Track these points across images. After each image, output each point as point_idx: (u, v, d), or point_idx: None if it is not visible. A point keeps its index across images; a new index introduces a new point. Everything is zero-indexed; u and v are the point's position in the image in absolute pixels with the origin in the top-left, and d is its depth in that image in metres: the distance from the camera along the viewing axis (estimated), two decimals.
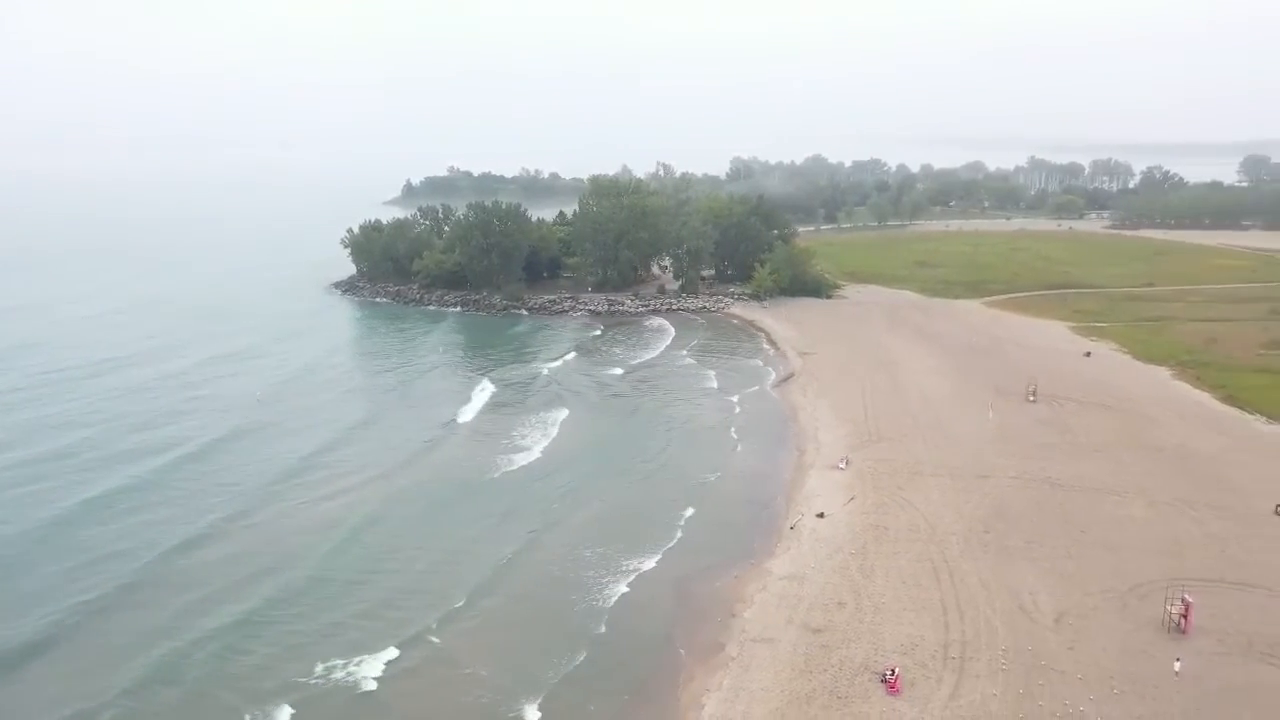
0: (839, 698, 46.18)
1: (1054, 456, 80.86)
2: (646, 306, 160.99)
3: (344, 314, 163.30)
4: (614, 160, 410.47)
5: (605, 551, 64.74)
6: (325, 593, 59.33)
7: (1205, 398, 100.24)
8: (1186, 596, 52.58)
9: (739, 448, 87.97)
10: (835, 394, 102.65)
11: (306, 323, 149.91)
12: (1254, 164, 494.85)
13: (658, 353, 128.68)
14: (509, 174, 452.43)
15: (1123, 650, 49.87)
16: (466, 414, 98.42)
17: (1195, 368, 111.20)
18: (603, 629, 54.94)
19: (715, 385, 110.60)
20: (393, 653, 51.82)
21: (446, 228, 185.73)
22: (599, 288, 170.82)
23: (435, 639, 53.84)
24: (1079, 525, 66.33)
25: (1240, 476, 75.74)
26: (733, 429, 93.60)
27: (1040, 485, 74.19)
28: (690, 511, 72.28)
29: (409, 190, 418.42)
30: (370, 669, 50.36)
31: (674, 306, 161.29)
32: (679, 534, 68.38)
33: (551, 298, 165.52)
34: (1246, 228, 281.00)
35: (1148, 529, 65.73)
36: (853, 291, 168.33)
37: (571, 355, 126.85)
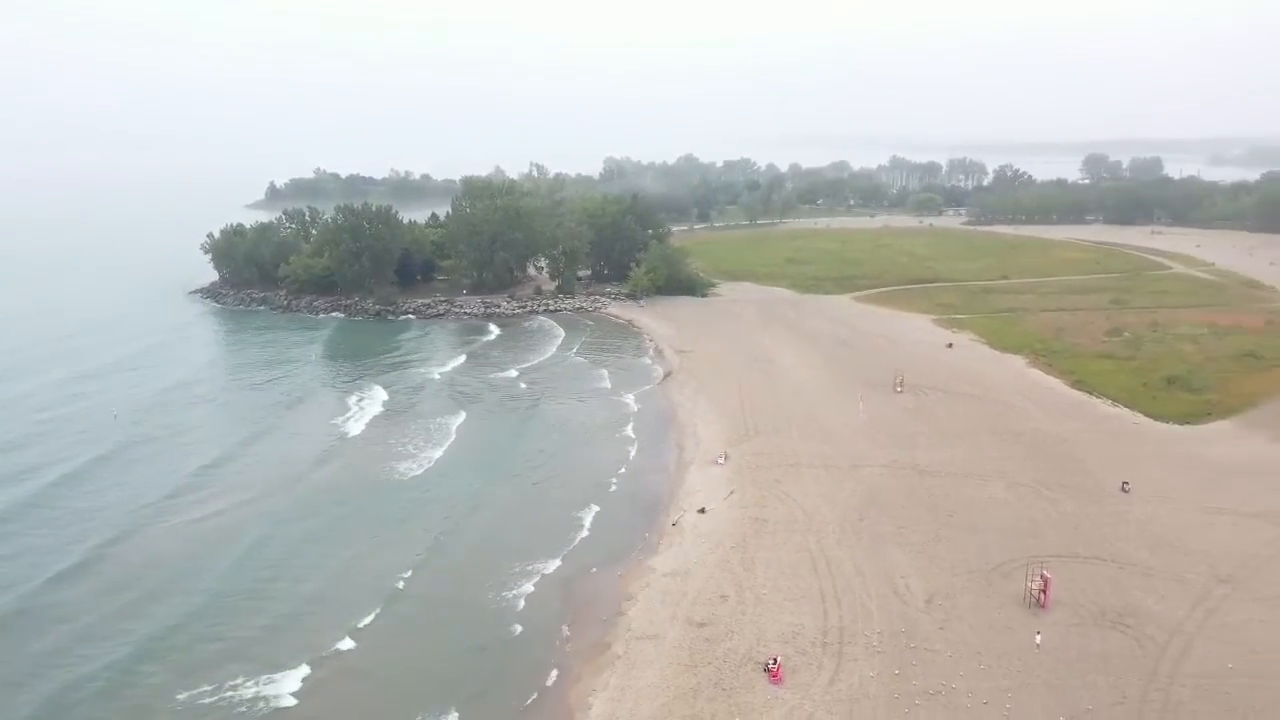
0: (724, 690, 47.02)
1: (921, 444, 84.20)
2: (524, 308, 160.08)
3: (209, 323, 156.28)
4: (487, 162, 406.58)
5: (497, 557, 64.32)
6: (225, 611, 57.19)
7: (1057, 384, 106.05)
8: (1045, 573, 55.67)
9: (622, 446, 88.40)
10: (713, 390, 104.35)
11: (168, 334, 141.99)
12: (1094, 162, 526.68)
13: (548, 355, 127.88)
14: (378, 175, 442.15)
15: (989, 627, 52.40)
16: (358, 423, 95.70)
17: (1047, 356, 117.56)
18: (500, 633, 54.61)
19: (608, 385, 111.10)
20: (305, 669, 50.41)
21: (314, 231, 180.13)
22: (475, 290, 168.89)
23: (346, 650, 52.75)
24: (946, 509, 69.28)
25: (1089, 457, 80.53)
26: (615, 428, 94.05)
27: (909, 472, 77.16)
28: (579, 512, 72.30)
29: (273, 193, 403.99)
30: (285, 685, 48.93)
31: (552, 307, 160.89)
32: (569, 535, 68.30)
33: (426, 301, 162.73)
34: (1090, 222, 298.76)
35: (1008, 510, 69.18)
36: (727, 289, 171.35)
37: (462, 359, 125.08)
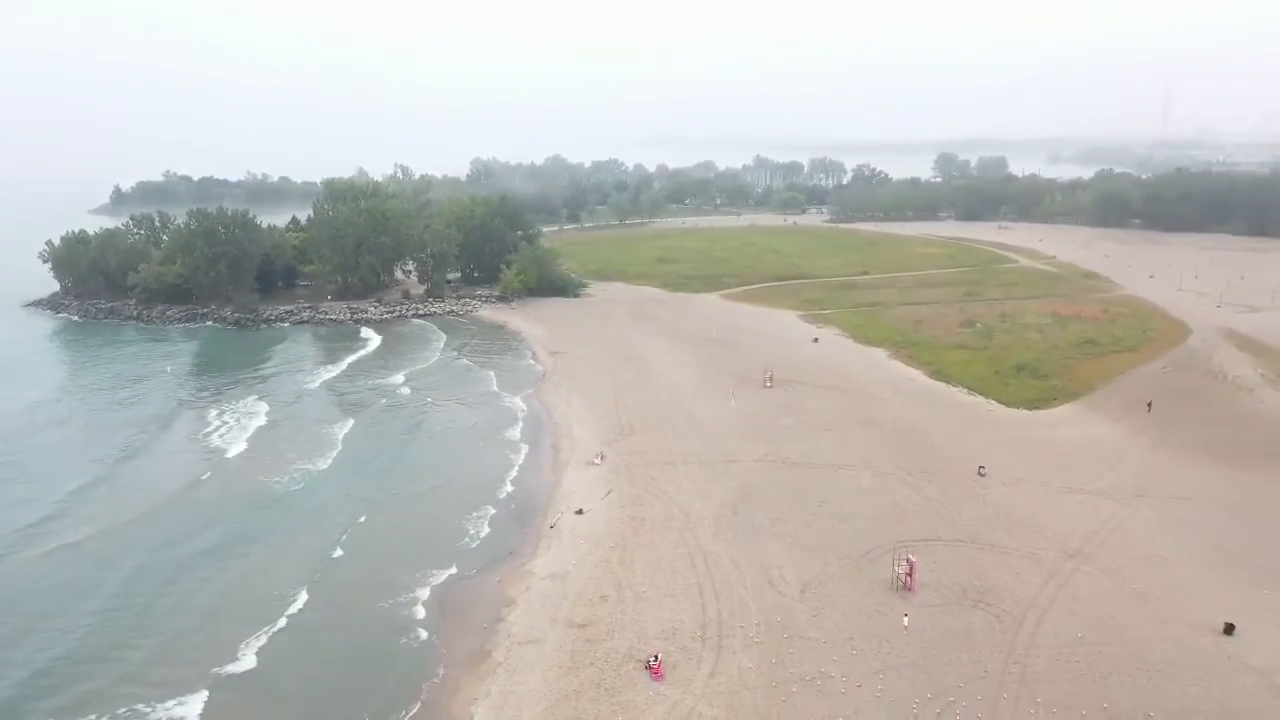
0: (606, 690, 47.26)
1: (791, 437, 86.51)
2: (393, 313, 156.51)
3: (54, 337, 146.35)
4: (348, 163, 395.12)
5: (386, 568, 63.27)
6: (115, 636, 54.86)
7: (917, 374, 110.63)
8: (910, 557, 58.09)
9: (499, 449, 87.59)
10: (587, 391, 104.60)
11: (8, 350, 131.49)
12: (945, 161, 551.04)
13: (416, 362, 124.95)
14: (233, 178, 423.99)
15: (859, 612, 54.31)
16: (237, 436, 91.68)
17: (907, 347, 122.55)
18: (385, 645, 53.56)
19: (480, 390, 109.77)
20: (204, 693, 48.81)
21: (165, 237, 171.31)
22: (340, 295, 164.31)
23: (241, 671, 50.97)
24: (816, 499, 71.39)
25: (948, 443, 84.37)
26: (489, 431, 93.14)
27: (781, 465, 79.18)
28: (462, 519, 71.36)
29: (119, 197, 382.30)
30: (189, 709, 47.43)
31: (421, 312, 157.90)
32: (452, 542, 67.31)
33: (290, 308, 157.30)
34: (942, 219, 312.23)
35: (875, 498, 71.81)
36: (599, 289, 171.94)
37: (339, 366, 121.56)
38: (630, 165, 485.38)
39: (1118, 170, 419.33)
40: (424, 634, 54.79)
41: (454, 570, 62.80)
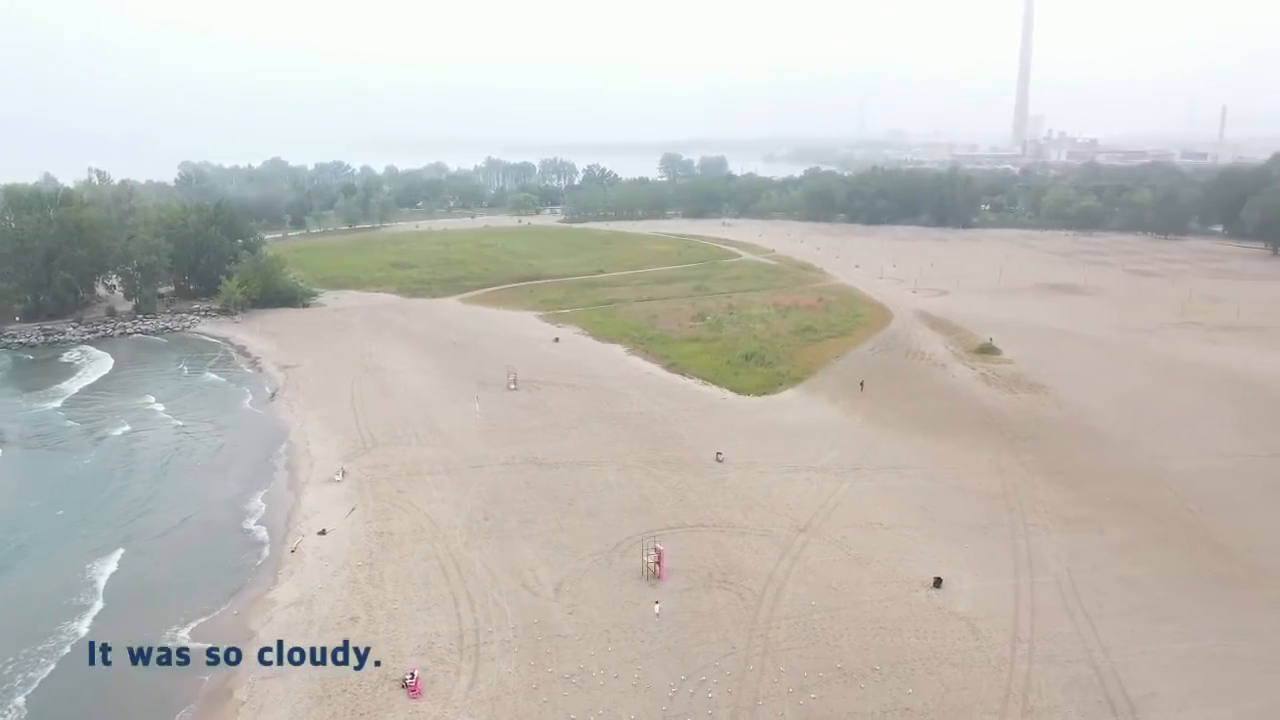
0: (361, 715, 45.57)
1: (537, 438, 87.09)
2: (95, 333, 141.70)
3: None
4: (32, 168, 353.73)
5: (127, 611, 56.85)
6: None
7: (654, 368, 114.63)
8: (658, 546, 60.24)
9: (228, 476, 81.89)
10: (324, 405, 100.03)
11: None
12: (670, 161, 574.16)
13: (142, 384, 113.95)
14: None
15: (613, 604, 55.64)
16: None
17: (644, 342, 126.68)
18: (120, 694, 48.59)
19: (162, 409, 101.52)
20: None
21: None
22: (31, 316, 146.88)
23: None
24: (566, 498, 72.32)
25: (687, 433, 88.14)
26: (210, 456, 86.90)
27: (529, 466, 79.50)
28: (187, 556, 65.97)
29: None
30: None
31: (128, 330, 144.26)
32: (177, 582, 62.08)
33: None
34: (670, 216, 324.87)
35: (622, 491, 73.75)
36: (330, 298, 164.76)
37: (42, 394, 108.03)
38: (357, 168, 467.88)
39: (824, 169, 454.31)
40: (154, 680, 50.24)
41: (183, 613, 57.90)
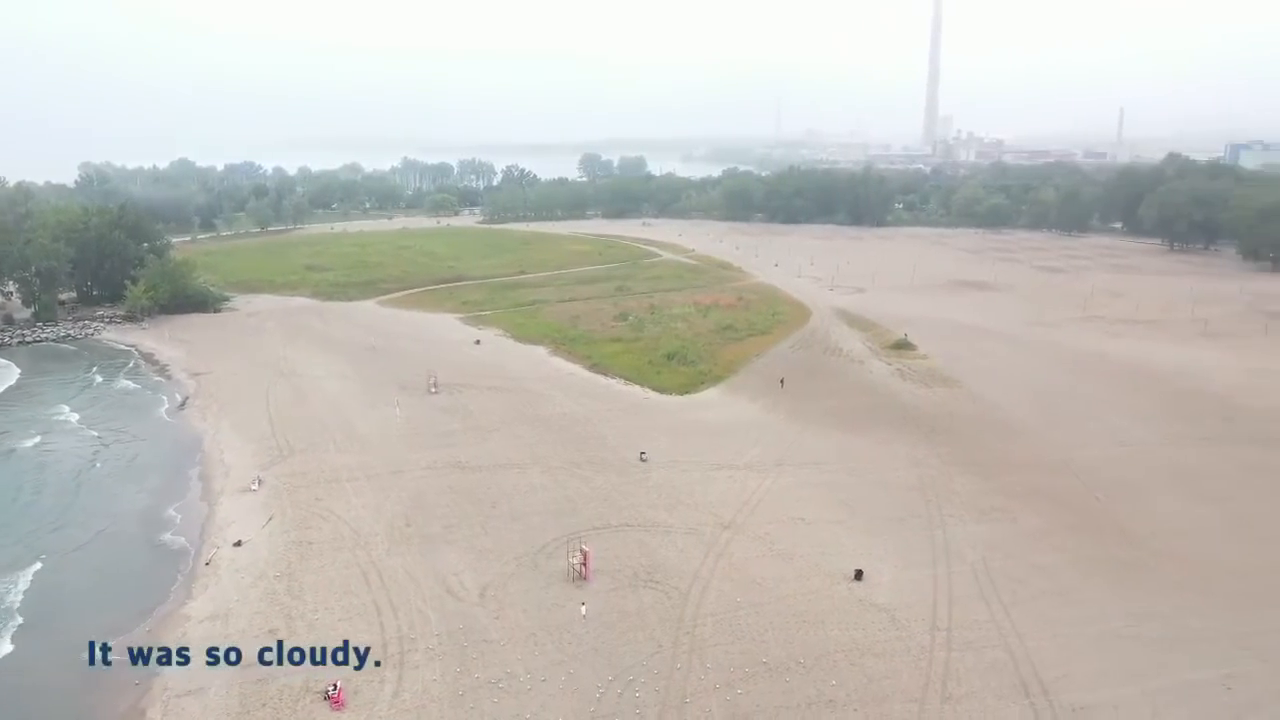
0: None
1: (460, 441, 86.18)
2: None
3: None
4: None
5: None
6: None
7: (577, 368, 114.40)
8: (584, 547, 60.15)
9: (132, 487, 79.14)
10: (238, 412, 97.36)
11: None
12: (589, 161, 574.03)
13: (41, 394, 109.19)
14: None
15: (539, 607, 55.36)
16: None
17: (566, 343, 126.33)
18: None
19: (76, 420, 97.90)
20: None
21: None
22: None
23: None
24: (489, 502, 71.70)
25: (611, 433, 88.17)
26: (121, 467, 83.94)
27: (451, 470, 78.60)
28: (95, 570, 63.52)
29: None
30: None
31: (27, 338, 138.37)
32: (85, 599, 59.77)
33: None
34: (590, 217, 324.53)
35: (546, 493, 73.43)
36: (243, 302, 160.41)
37: None
38: (269, 169, 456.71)
39: (742, 168, 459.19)
40: (67, 702, 48.37)
41: (98, 630, 55.70)
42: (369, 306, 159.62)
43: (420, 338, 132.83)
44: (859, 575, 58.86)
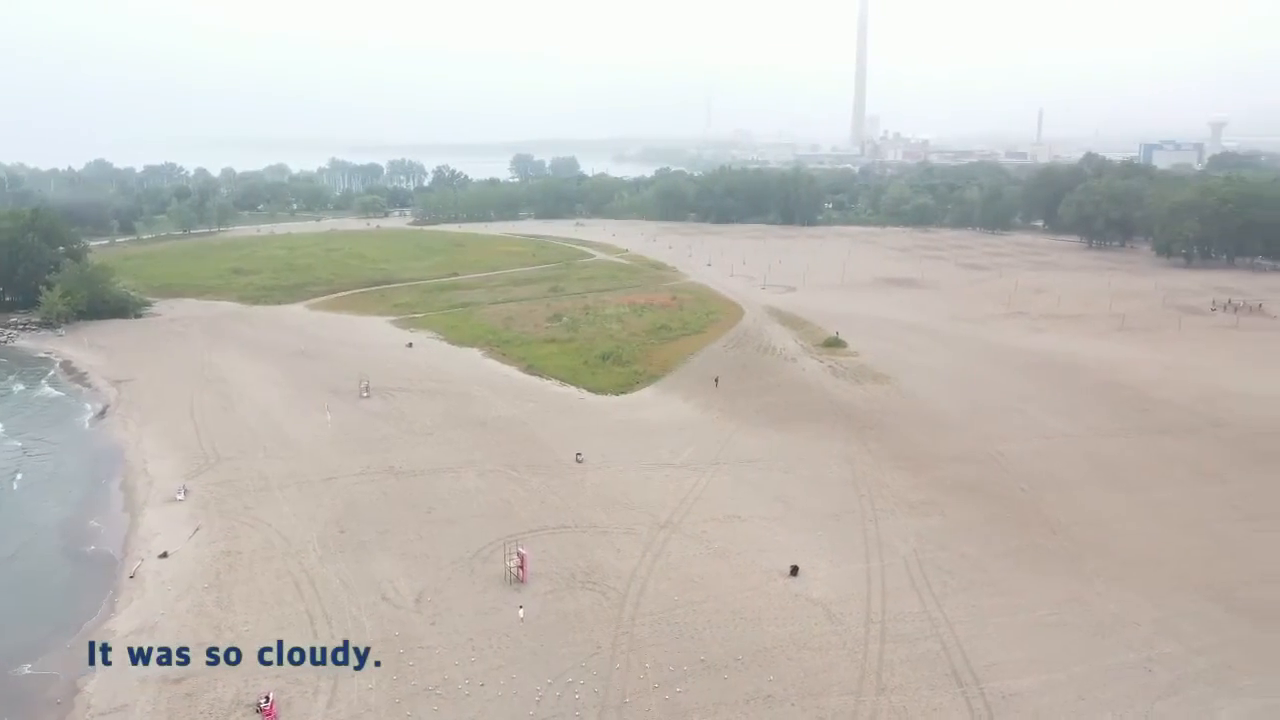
0: None
1: (393, 446, 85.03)
2: None
3: None
4: None
5: None
6: None
7: (512, 371, 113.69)
8: (521, 550, 59.84)
9: (51, 499, 76.56)
10: (162, 420, 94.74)
11: None
12: (521, 162, 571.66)
13: None
14: None
15: (477, 612, 54.93)
16: None
17: (500, 345, 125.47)
18: None
19: (40, 432, 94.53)
20: None
21: None
22: None
23: None
24: (424, 506, 70.92)
25: (546, 435, 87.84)
26: (40, 479, 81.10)
27: (385, 476, 77.55)
28: (3, 584, 61.31)
29: None
30: None
31: None
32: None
33: None
34: (523, 218, 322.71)
35: (482, 497, 72.87)
36: (166, 307, 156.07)
37: None
38: (191, 170, 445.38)
39: (674, 168, 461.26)
40: None
41: (20, 649, 53.81)
42: (298, 310, 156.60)
43: (351, 341, 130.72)
44: (795, 571, 59.56)
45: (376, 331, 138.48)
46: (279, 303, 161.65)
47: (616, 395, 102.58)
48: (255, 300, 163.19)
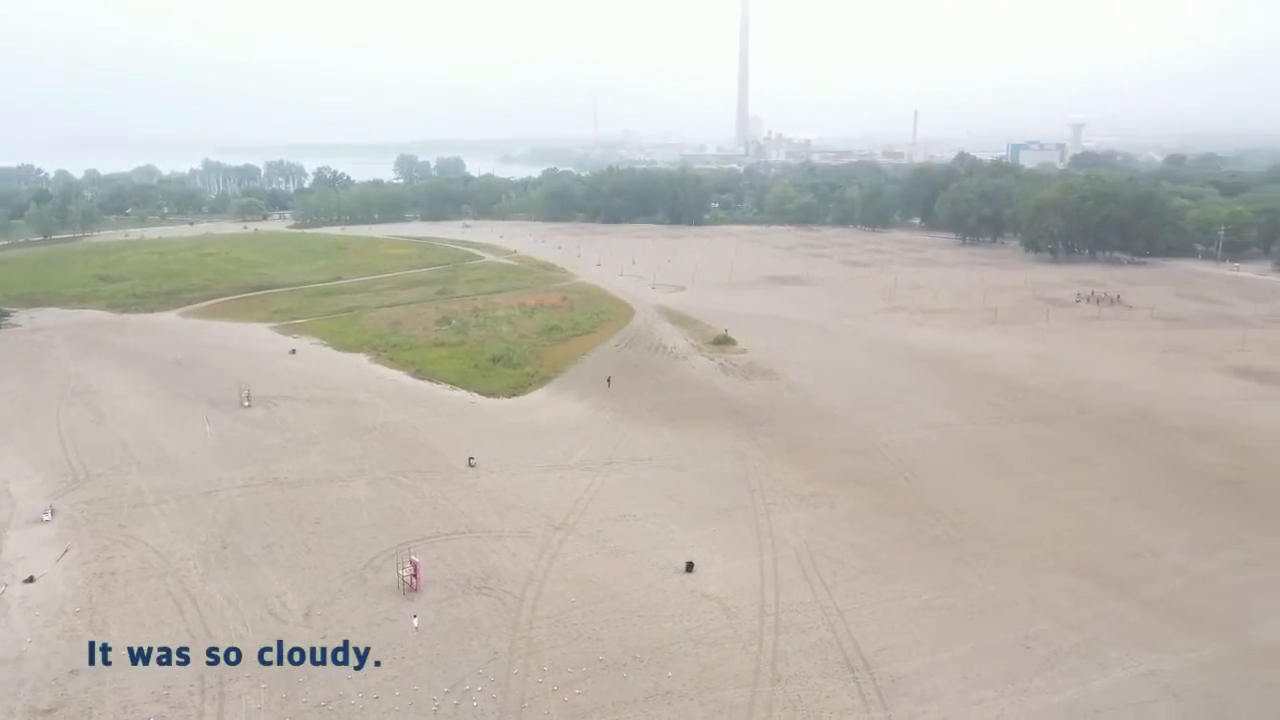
0: None
1: (277, 456, 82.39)
2: None
3: None
4: None
5: None
6: None
7: (400, 375, 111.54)
8: (414, 558, 58.76)
9: None
10: (23, 437, 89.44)
11: None
12: (405, 163, 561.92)
13: None
14: None
15: (369, 624, 53.70)
16: None
17: (388, 350, 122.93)
18: None
19: None
20: None
21: None
22: None
23: None
24: (312, 517, 68.95)
25: (437, 440, 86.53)
26: None
27: (269, 487, 75.09)
28: None
29: None
30: None
31: None
32: None
33: None
34: (409, 219, 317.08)
35: (372, 505, 71.27)
36: (25, 318, 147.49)
37: None
38: (51, 172, 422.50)
39: (562, 169, 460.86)
40: None
41: None
42: (171, 318, 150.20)
43: (231, 349, 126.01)
44: (690, 567, 60.18)
45: (257, 338, 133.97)
46: (151, 310, 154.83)
47: (508, 398, 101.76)
48: (125, 308, 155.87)
